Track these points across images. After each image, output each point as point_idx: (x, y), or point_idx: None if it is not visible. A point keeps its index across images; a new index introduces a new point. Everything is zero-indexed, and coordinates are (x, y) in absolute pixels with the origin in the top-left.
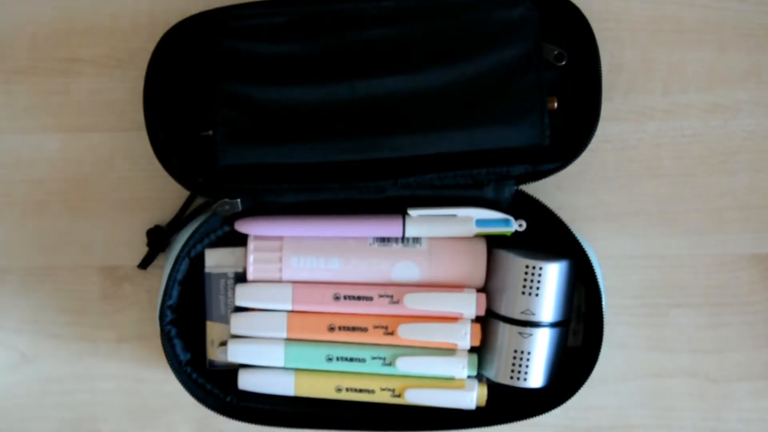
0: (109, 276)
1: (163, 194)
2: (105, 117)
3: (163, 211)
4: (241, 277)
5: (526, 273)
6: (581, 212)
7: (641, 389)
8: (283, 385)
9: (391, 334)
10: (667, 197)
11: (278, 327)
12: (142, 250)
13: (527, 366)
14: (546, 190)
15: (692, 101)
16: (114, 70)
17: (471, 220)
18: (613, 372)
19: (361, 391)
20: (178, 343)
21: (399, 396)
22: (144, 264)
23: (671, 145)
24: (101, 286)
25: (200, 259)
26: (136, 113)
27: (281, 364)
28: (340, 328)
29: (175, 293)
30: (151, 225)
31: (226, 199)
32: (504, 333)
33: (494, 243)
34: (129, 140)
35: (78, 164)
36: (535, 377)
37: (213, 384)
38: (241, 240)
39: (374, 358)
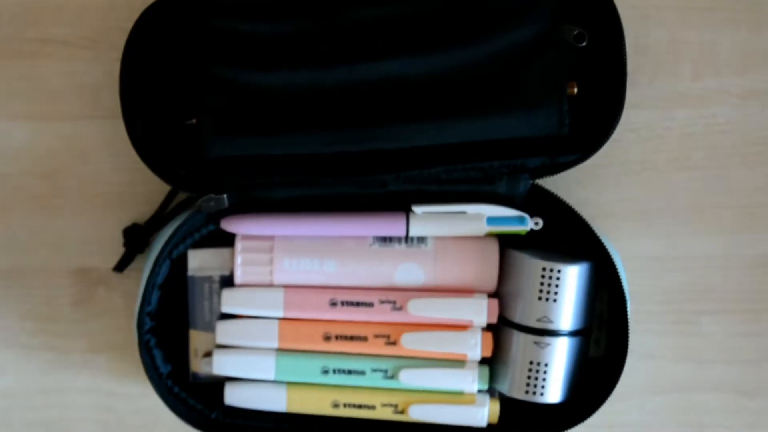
0: (81, 279)
1: (141, 189)
2: (77, 103)
3: (141, 208)
4: (227, 281)
5: (543, 276)
6: (603, 209)
7: (669, 404)
8: (274, 400)
9: (394, 343)
10: (697, 192)
11: (269, 336)
12: (119, 250)
13: (544, 379)
14: (564, 185)
15: (725, 86)
16: (88, 51)
17: (482, 217)
18: (638, 385)
19: (360, 406)
20: (157, 354)
21: (402, 412)
22: (120, 266)
23: (702, 135)
24: (73, 290)
25: (182, 260)
26: (111, 99)
27: (272, 377)
28: (337, 338)
29: (154, 298)
30: (128, 223)
31: (212, 195)
32: (518, 342)
33: (507, 243)
34: (104, 129)
35: (47, 156)
36: (553, 391)
37: (196, 399)
38: (227, 240)
39: (375, 371)
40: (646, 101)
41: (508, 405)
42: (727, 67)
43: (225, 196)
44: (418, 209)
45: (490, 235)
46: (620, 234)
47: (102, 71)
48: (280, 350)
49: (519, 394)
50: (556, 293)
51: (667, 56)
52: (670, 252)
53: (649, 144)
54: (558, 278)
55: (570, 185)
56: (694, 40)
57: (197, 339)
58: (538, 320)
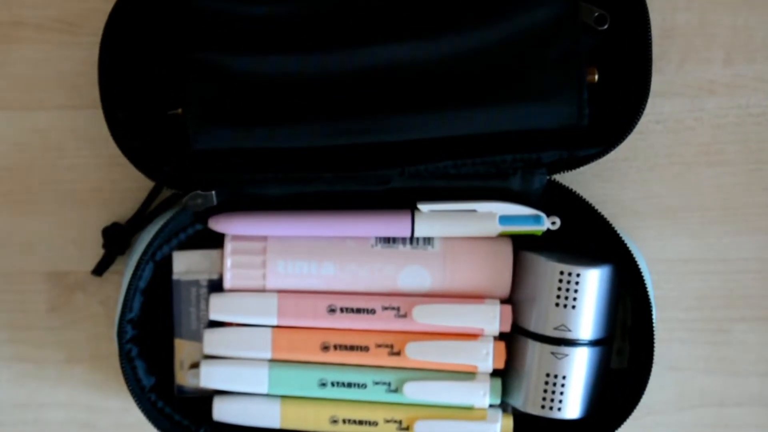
0: (57, 284)
1: (122, 186)
2: (52, 92)
3: (122, 206)
4: (216, 286)
5: (561, 280)
6: (626, 207)
7: (699, 420)
8: (267, 416)
9: (398, 354)
10: (730, 189)
11: (261, 345)
12: (97, 252)
13: (562, 393)
14: (584, 181)
15: (760, 73)
16: (63, 35)
17: (494, 216)
18: (665, 400)
19: (361, 423)
20: (140, 365)
21: (407, 429)
22: (99, 269)
23: (735, 126)
24: (48, 295)
25: (167, 263)
26: (90, 88)
27: (265, 390)
28: (335, 347)
29: (136, 305)
30: (107, 222)
31: (199, 191)
32: (534, 353)
33: (522, 244)
34: (81, 121)
35: (20, 149)
36: (572, 406)
37: (182, 414)
38: (216, 240)
39: (377, 384)
40: (673, 89)
41: (522, 421)
42: (761, 53)
43: (213, 192)
44: (424, 207)
45: (502, 235)
46: (645, 234)
47: (79, 57)
48: (274, 361)
49: (534, 409)
50: (575, 299)
51: (696, 40)
52: (700, 254)
53: (677, 136)
54: (577, 283)
55: (590, 181)
56: (727, 23)
57: (183, 349)
58: (556, 329)
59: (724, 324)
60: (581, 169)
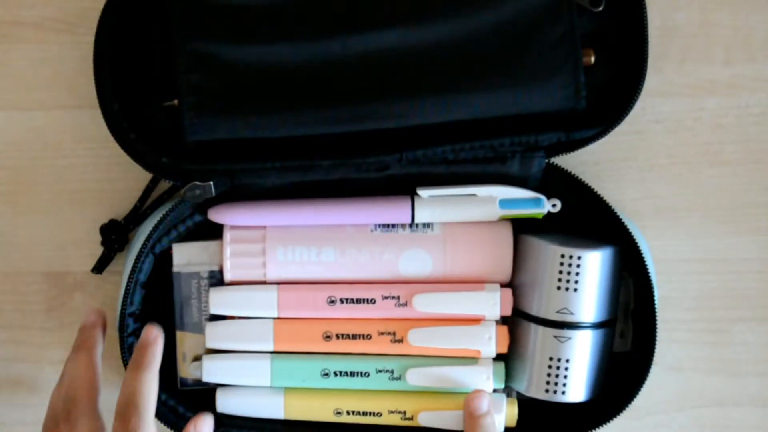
0: (56, 284)
1: (121, 185)
2: (51, 92)
3: (120, 203)
4: (217, 277)
5: (562, 263)
6: (627, 207)
7: (699, 420)
8: (271, 408)
9: (400, 341)
10: (730, 189)
11: (263, 337)
12: (97, 252)
13: (565, 376)
14: (584, 181)
15: (761, 73)
16: (62, 34)
17: (494, 200)
18: (665, 400)
19: (365, 413)
20: None
21: (411, 419)
22: (99, 267)
23: (735, 126)
24: (46, 296)
25: (167, 256)
26: (88, 87)
27: (268, 382)
28: (337, 337)
29: (137, 298)
30: (106, 220)
31: (197, 182)
32: (536, 337)
33: (522, 228)
34: (80, 119)
35: (18, 149)
36: (575, 390)
37: (186, 407)
38: (216, 232)
39: (380, 372)
40: (673, 89)
41: (526, 405)
42: (762, 52)
43: (211, 183)
44: (423, 193)
45: (503, 219)
46: (645, 234)
47: (78, 57)
48: (276, 353)
49: (538, 393)
50: (576, 282)
51: (696, 40)
52: (700, 254)
53: (677, 136)
54: (578, 265)
55: (590, 181)
56: (727, 23)
57: (185, 342)
58: (558, 312)
59: (725, 324)
60: (581, 169)
